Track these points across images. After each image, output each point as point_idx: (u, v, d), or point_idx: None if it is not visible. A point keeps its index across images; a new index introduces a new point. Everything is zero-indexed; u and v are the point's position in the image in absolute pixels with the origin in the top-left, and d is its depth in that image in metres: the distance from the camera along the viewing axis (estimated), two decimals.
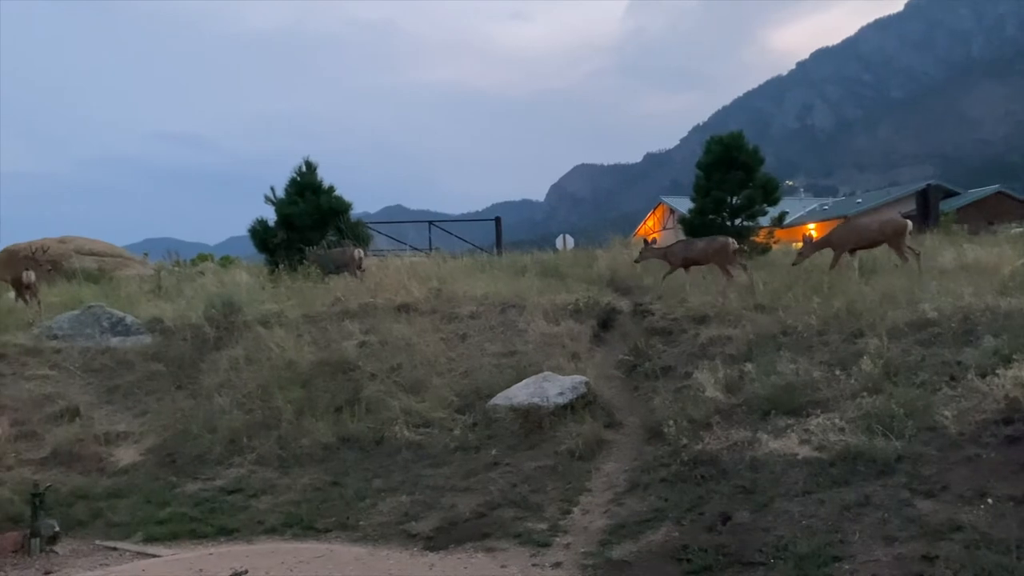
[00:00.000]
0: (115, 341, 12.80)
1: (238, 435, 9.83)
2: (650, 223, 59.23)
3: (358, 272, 15.76)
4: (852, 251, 13.09)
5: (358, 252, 16.56)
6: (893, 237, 12.70)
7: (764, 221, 17.22)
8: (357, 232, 18.69)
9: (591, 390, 9.59)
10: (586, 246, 23.10)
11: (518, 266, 16.70)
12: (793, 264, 13.43)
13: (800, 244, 14.21)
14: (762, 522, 6.04)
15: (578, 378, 9.77)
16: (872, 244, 13.06)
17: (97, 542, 7.91)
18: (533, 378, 9.86)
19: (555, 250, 22.71)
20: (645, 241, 15.38)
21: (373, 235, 21.01)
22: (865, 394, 7.62)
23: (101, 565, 7.37)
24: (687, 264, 13.80)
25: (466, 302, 13.23)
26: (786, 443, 7.23)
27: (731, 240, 13.35)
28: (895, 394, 7.36)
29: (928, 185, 30.58)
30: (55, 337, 12.82)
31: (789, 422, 7.64)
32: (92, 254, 23.33)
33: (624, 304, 13.18)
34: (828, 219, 42.70)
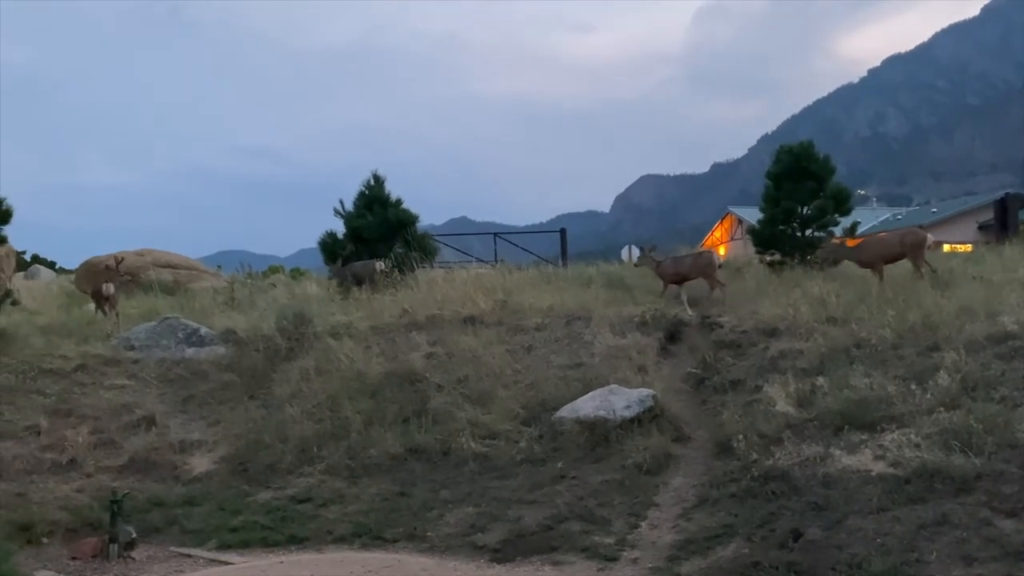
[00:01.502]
0: (190, 352, 13.07)
1: (308, 445, 9.97)
2: (717, 234, 58.52)
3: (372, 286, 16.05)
4: (880, 265, 13.29)
5: (379, 265, 16.81)
6: (912, 249, 12.90)
7: (836, 232, 16.88)
8: (424, 244, 18.80)
9: (658, 403, 9.51)
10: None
11: (583, 278, 16.61)
12: (815, 261, 14.33)
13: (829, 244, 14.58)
14: (835, 540, 5.95)
15: (645, 391, 9.70)
16: (895, 258, 13.26)
17: (172, 548, 8.13)
18: (599, 391, 9.82)
19: (621, 261, 22.54)
20: (641, 249, 15.75)
21: (439, 247, 21.12)
22: (942, 409, 7.47)
23: (176, 571, 7.57)
24: (678, 280, 14.38)
25: (532, 314, 13.22)
26: (860, 459, 7.12)
27: (716, 255, 14.39)
28: (973, 409, 7.19)
29: (1006, 194, 29.57)
30: (132, 348, 13.13)
31: (863, 438, 7.51)
32: (168, 266, 23.84)
33: (691, 316, 13.03)
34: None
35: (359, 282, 16.58)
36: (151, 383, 12.09)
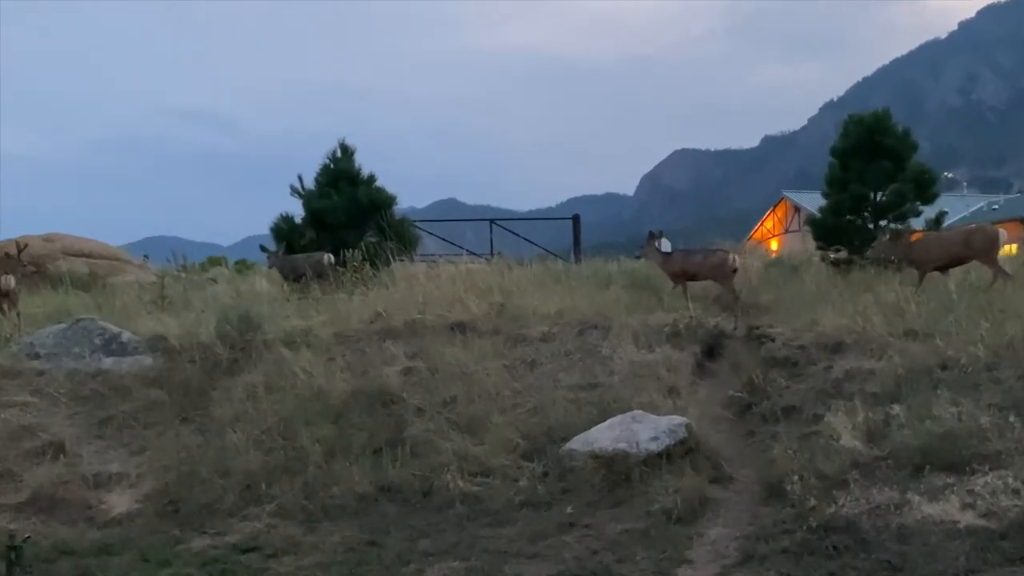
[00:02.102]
0: (109, 362, 13.03)
1: (255, 480, 9.90)
2: (768, 224, 58.69)
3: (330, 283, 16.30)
4: (943, 269, 13.65)
5: (328, 258, 16.98)
6: (981, 252, 13.13)
7: (917, 223, 16.93)
8: (402, 232, 18.85)
9: (693, 435, 9.48)
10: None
11: (601, 276, 16.68)
12: (864, 256, 15.10)
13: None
14: None
15: (676, 419, 9.69)
16: (958, 260, 13.55)
17: None
18: (620, 418, 9.81)
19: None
20: (651, 233, 15.95)
21: (421, 236, 21.17)
22: None
23: None
24: (682, 277, 14.92)
25: (536, 321, 13.24)
26: (944, 508, 7.11)
27: (732, 256, 14.69)
28: None
29: None
30: (37, 356, 13.08)
31: (948, 481, 7.51)
32: (83, 255, 23.87)
33: (736, 326, 13.05)
34: (999, 221, 41.72)
35: (297, 278, 16.78)
36: (60, 401, 12.04)
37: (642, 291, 15.33)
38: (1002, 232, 13.40)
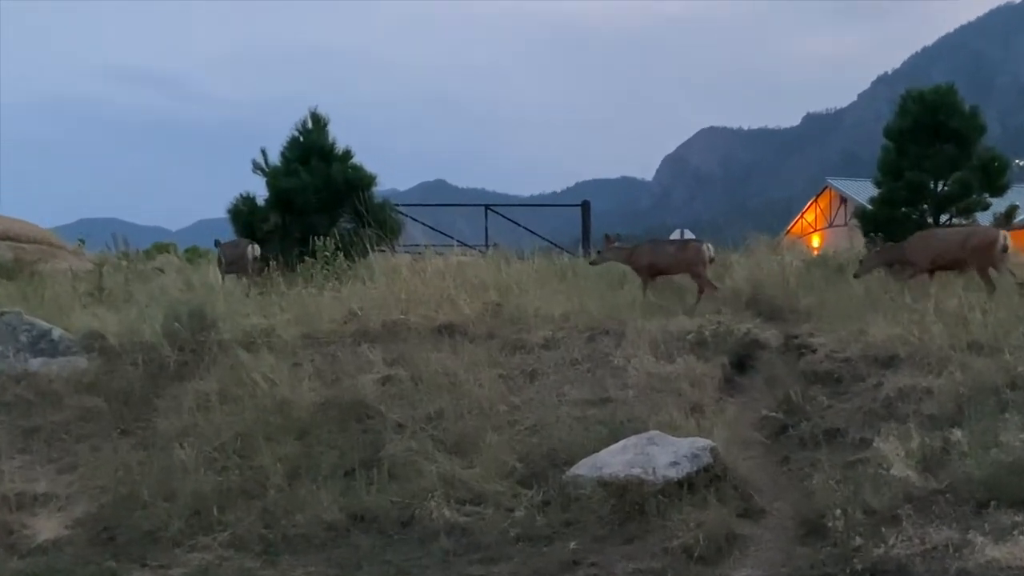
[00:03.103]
0: (36, 364, 13.04)
1: (206, 505, 9.84)
2: (810, 217, 58.68)
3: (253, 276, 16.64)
4: (931, 272, 14.36)
5: (252, 250, 17.25)
6: (978, 254, 13.79)
7: (984, 218, 16.92)
8: (383, 218, 18.88)
9: (719, 460, 9.46)
10: (715, 247, 22.60)
11: (614, 273, 16.66)
12: (855, 276, 15.13)
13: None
14: None
15: (700, 442, 9.66)
16: (955, 263, 14.21)
17: None
18: (634, 439, 9.79)
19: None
20: (607, 237, 16.44)
21: (405, 222, 21.19)
22: None
23: None
24: (653, 272, 15.61)
25: (538, 324, 13.28)
26: (1012, 550, 7.11)
27: (707, 246, 15.54)
28: None
29: None
30: None
31: (1017, 519, 7.51)
32: (6, 239, 23.84)
33: (771, 335, 13.12)
34: None
35: (230, 269, 17.10)
36: None
37: (663, 292, 15.40)
38: (1003, 234, 13.87)
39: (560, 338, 12.81)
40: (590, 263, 17.22)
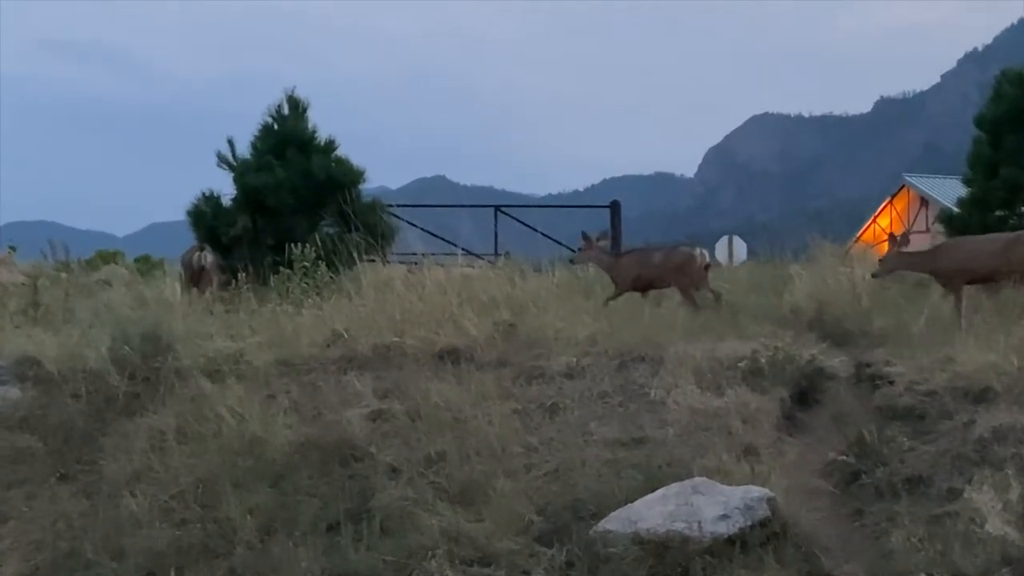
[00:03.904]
0: None
1: (162, 564, 9.61)
2: (884, 220, 59.03)
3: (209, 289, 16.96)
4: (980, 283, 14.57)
5: (203, 259, 17.46)
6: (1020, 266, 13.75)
7: None
8: (372, 221, 19.02)
9: (778, 513, 9.19)
10: (770, 256, 22.81)
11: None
12: (873, 276, 15.62)
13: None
14: None
15: (755, 491, 9.37)
16: (990, 276, 14.23)
17: None
18: (676, 487, 9.51)
19: (714, 261, 22.50)
20: (584, 235, 16.78)
21: (399, 227, 21.44)
22: None
23: None
24: (640, 285, 15.90)
25: (558, 348, 13.16)
26: None
27: (699, 251, 15.86)
28: None
29: None
30: None
31: None
32: None
33: (839, 363, 12.95)
34: None
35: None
36: None
37: (707, 312, 15.29)
38: None
39: (585, 365, 12.67)
40: (569, 262, 17.82)
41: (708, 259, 15.97)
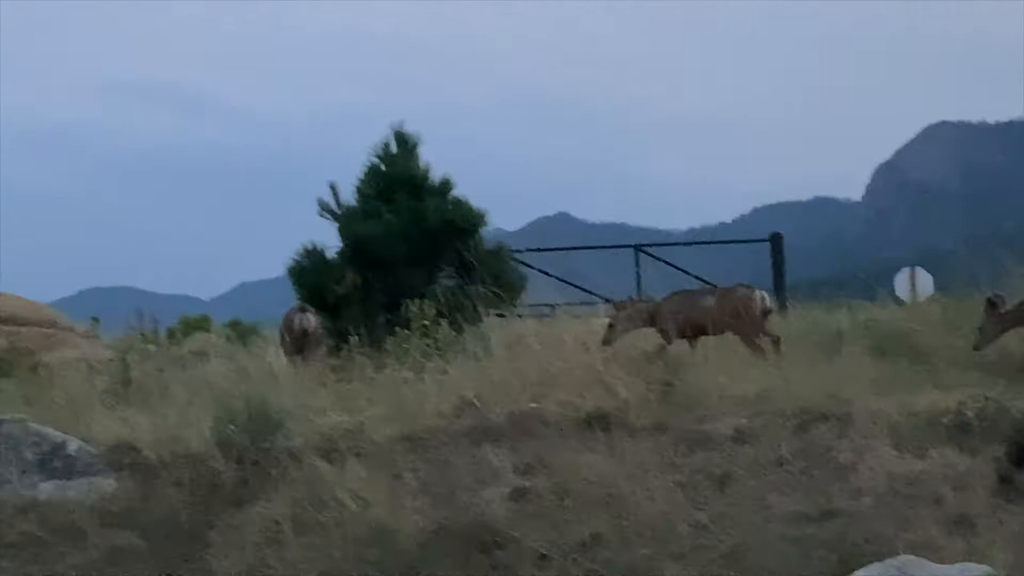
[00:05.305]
0: (48, 488, 13.15)
1: None
2: None
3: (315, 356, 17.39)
4: None
5: (304, 320, 17.78)
6: None
7: None
8: (499, 270, 18.91)
9: None
10: (963, 291, 21.66)
11: (826, 333, 16.56)
12: (975, 348, 15.16)
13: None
14: None
15: (974, 569, 9.23)
16: None
17: None
18: (877, 568, 9.39)
19: (895, 299, 22.25)
20: (615, 304, 17.47)
21: (528, 275, 21.25)
22: None
23: None
24: (691, 332, 16.19)
25: (724, 409, 13.20)
26: None
27: (759, 293, 16.14)
28: None
29: None
30: None
31: None
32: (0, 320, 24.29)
33: None
34: None
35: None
36: None
37: (896, 358, 15.16)
38: None
39: (758, 428, 12.63)
40: (603, 343, 16.63)
41: (768, 304, 16.25)
